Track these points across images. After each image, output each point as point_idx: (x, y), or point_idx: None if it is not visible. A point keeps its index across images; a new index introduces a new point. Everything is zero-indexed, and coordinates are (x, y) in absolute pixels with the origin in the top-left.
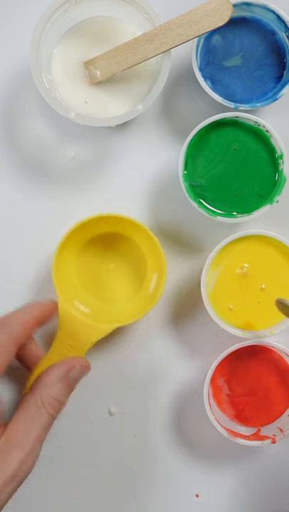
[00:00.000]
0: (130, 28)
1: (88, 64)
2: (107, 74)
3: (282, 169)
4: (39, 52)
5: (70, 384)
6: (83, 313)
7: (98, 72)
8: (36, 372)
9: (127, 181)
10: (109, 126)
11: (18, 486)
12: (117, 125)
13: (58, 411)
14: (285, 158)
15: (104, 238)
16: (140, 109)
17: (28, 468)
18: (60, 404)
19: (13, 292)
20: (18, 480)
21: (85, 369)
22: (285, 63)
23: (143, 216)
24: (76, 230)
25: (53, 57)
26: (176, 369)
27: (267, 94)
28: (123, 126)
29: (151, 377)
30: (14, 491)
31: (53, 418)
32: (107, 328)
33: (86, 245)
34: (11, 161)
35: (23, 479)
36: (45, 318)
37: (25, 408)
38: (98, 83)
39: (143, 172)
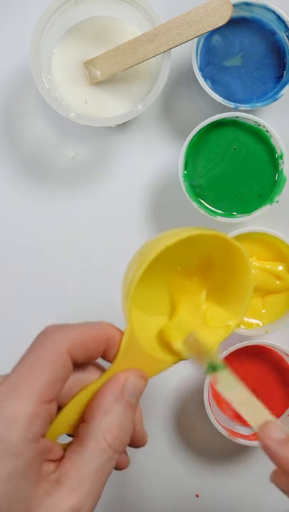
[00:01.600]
0: (130, 28)
1: (88, 64)
2: (107, 74)
3: (282, 169)
4: (39, 52)
5: (130, 403)
6: (152, 348)
7: (98, 72)
8: (78, 399)
9: (127, 181)
10: (109, 126)
11: None
12: (117, 125)
13: (121, 443)
14: (285, 158)
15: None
16: (140, 109)
17: None
18: (124, 434)
19: (10, 293)
20: None
21: (141, 380)
22: (285, 63)
23: (143, 216)
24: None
25: (53, 57)
26: (176, 369)
27: (267, 94)
28: (123, 126)
29: (151, 378)
30: None
31: (117, 452)
32: (172, 361)
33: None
34: (11, 161)
35: None
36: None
37: (80, 442)
38: (98, 83)
39: (143, 172)
